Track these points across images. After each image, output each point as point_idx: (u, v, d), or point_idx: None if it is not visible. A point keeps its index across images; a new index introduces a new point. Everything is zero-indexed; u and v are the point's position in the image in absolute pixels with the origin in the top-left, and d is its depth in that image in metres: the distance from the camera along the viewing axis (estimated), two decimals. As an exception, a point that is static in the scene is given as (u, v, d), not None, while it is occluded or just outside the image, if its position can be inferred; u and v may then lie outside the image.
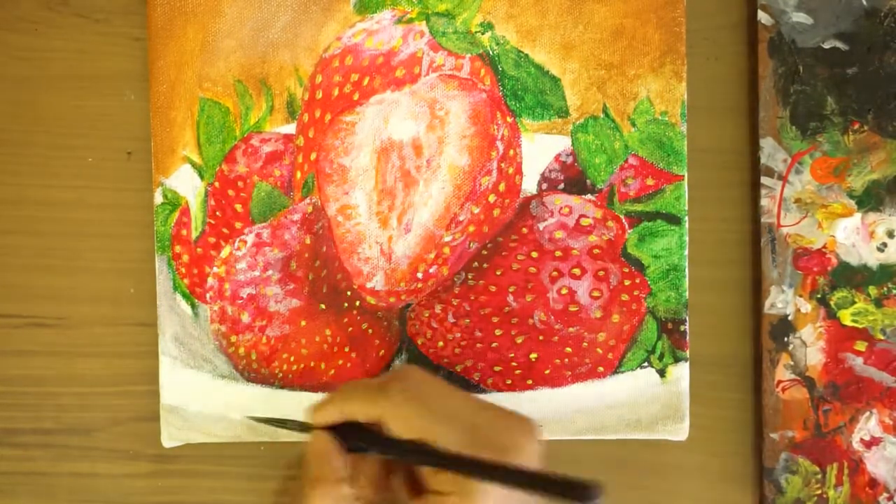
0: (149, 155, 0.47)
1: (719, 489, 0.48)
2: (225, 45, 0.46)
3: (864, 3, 0.45)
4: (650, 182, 0.45)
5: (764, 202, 0.46)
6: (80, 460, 0.49)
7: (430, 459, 0.36)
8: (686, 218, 0.45)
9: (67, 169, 0.49)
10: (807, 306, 0.46)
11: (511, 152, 0.46)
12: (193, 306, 0.47)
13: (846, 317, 0.46)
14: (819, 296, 0.46)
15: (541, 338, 0.46)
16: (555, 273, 0.46)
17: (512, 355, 0.46)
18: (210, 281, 0.47)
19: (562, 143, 0.45)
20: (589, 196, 0.46)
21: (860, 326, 0.46)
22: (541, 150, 0.45)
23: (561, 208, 0.46)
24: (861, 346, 0.46)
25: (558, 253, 0.46)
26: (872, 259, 0.46)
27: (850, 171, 0.46)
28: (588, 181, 0.46)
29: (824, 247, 0.46)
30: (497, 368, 0.46)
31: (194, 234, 0.47)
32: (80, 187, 0.49)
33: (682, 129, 0.45)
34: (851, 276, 0.46)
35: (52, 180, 0.49)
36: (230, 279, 0.46)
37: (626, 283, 0.46)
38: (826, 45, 0.45)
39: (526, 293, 0.46)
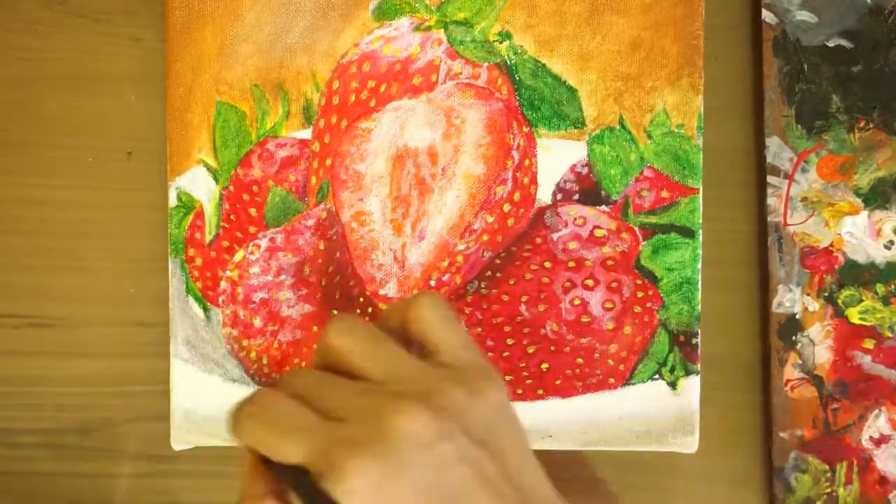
0: (149, 155, 0.47)
1: (729, 489, 0.48)
2: (242, 49, 0.46)
3: (869, 0, 0.45)
4: (665, 195, 0.45)
5: (770, 201, 0.46)
6: (80, 460, 0.49)
7: None
8: (700, 231, 0.45)
9: (67, 169, 0.48)
10: (814, 305, 0.46)
11: (526, 162, 0.45)
12: (206, 310, 0.46)
13: (854, 315, 0.46)
14: (826, 294, 0.46)
15: (552, 348, 0.46)
16: (567, 284, 0.45)
17: (523, 365, 0.46)
18: (223, 285, 0.46)
19: (577, 154, 0.45)
20: (603, 207, 0.45)
21: (868, 324, 0.46)
22: (556, 160, 0.45)
23: (575, 219, 0.45)
24: (869, 343, 0.46)
25: (571, 263, 0.45)
26: (879, 257, 0.46)
27: (856, 169, 0.45)
28: (603, 192, 0.45)
29: (831, 245, 0.46)
30: (508, 378, 0.46)
31: (208, 238, 0.46)
32: (80, 187, 0.48)
33: (698, 143, 0.45)
34: (859, 274, 0.46)
35: (52, 180, 0.48)
36: (243, 283, 0.46)
37: (639, 294, 0.45)
38: (831, 44, 0.45)
39: (538, 303, 0.46)
